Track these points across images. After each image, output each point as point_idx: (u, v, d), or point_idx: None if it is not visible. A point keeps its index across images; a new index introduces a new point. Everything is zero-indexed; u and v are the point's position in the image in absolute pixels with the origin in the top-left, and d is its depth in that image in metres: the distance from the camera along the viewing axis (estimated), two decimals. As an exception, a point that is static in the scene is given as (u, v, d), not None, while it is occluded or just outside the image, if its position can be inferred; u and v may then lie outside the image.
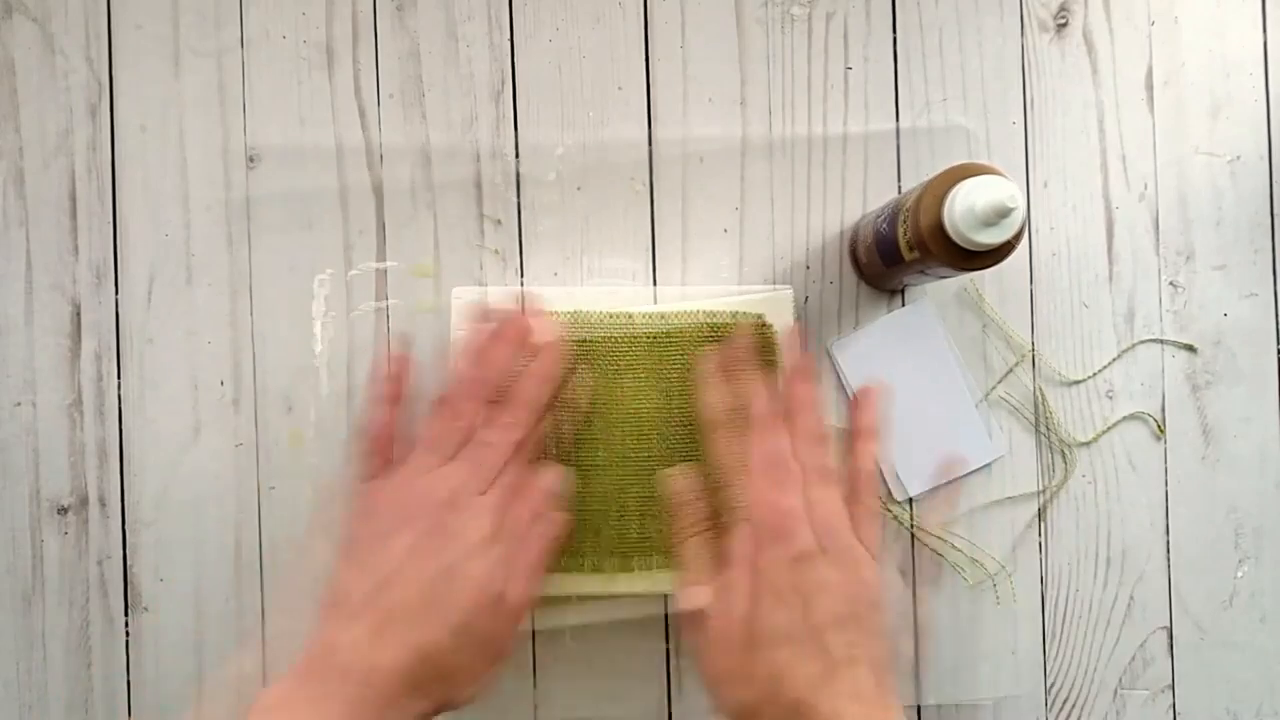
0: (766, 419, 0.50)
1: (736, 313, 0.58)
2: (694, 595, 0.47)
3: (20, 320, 0.60)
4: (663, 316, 0.57)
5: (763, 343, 0.57)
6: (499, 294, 0.59)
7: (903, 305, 0.61)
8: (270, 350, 0.60)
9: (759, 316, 0.58)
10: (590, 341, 0.56)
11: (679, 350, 0.57)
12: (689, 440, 0.56)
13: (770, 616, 0.44)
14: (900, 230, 0.52)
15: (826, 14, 0.62)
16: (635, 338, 0.57)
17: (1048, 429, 0.62)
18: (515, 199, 0.61)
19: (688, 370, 0.56)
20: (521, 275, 0.60)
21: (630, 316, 0.57)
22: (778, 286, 0.60)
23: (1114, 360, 0.62)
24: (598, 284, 0.60)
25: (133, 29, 0.60)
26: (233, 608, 0.60)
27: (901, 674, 0.61)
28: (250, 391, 0.60)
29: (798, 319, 0.60)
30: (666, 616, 0.61)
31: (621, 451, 0.56)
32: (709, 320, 0.57)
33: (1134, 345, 0.62)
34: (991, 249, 0.48)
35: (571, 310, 0.57)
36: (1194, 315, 0.62)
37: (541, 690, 0.60)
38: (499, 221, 0.61)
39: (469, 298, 0.58)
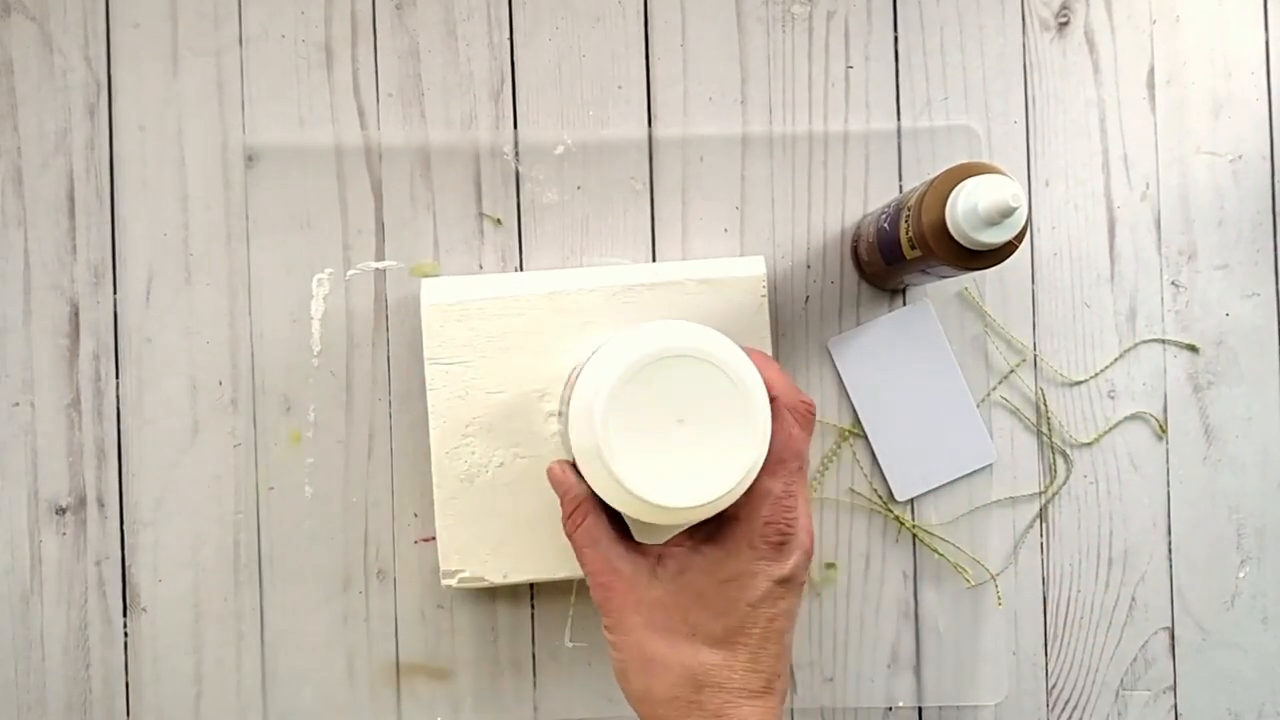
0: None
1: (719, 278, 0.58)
2: None
3: (18, 320, 0.60)
4: (649, 286, 0.57)
5: (754, 306, 0.57)
6: (467, 283, 0.58)
7: (903, 305, 0.61)
8: (269, 350, 0.60)
9: (754, 279, 0.58)
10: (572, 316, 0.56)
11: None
12: None
13: None
14: (902, 229, 0.52)
15: (827, 12, 0.61)
16: (619, 306, 0.57)
17: (1049, 429, 0.61)
18: (515, 198, 0.61)
19: None
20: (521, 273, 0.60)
21: (613, 289, 0.57)
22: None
23: (1115, 360, 0.62)
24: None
25: (131, 28, 0.60)
26: (232, 608, 0.60)
27: (902, 674, 0.61)
28: (249, 391, 0.60)
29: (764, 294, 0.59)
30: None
31: None
32: (697, 277, 0.57)
33: (1136, 345, 0.62)
34: (994, 248, 0.48)
35: (549, 291, 0.57)
36: (1196, 315, 0.62)
37: (541, 691, 0.60)
38: (499, 221, 0.61)
39: (437, 289, 0.57)
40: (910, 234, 0.51)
